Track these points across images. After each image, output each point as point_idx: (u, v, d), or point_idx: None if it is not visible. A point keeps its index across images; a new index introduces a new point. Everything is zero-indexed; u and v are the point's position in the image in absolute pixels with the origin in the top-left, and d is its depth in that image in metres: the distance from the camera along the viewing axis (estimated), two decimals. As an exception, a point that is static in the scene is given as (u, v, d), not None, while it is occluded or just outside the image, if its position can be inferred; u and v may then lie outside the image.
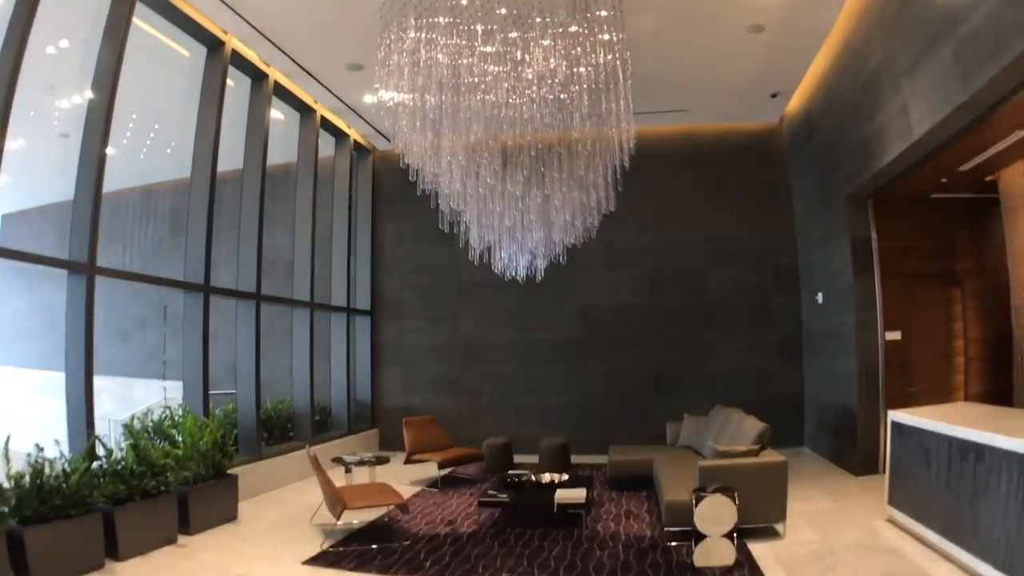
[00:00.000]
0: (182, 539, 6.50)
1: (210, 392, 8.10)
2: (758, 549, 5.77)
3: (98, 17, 6.84)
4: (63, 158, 7.83)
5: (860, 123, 7.90)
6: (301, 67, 9.20)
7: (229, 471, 7.46)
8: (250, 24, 7.99)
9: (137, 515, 6.03)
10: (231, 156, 8.90)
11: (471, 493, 8.35)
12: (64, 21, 7.47)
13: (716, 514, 5.32)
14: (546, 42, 6.97)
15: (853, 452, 8.66)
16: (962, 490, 5.00)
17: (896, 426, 6.22)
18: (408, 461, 9.16)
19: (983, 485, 4.72)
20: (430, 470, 9.29)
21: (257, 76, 9.12)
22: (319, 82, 9.70)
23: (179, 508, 6.57)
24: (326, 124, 11.02)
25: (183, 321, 8.10)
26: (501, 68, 6.98)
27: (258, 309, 8.89)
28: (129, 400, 12.71)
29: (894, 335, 8.71)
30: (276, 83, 9.39)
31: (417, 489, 8.71)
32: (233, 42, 8.33)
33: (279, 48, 8.64)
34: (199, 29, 7.86)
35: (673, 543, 6.06)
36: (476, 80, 6.96)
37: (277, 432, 10.15)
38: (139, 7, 7.17)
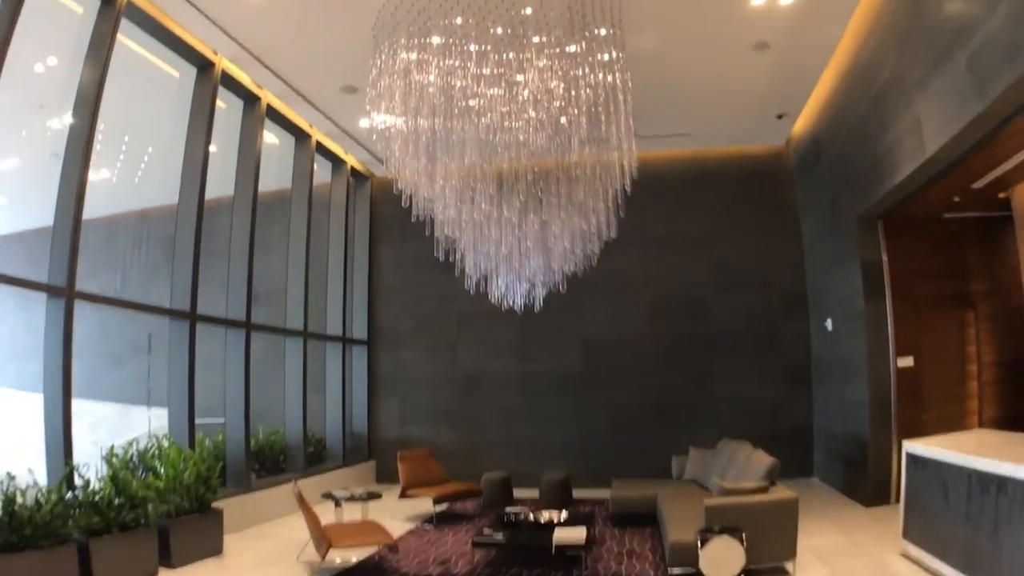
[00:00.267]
0: (163, 572, 6.30)
1: (204, 420, 7.91)
2: (767, 591, 5.45)
3: (85, 34, 6.68)
4: (57, 179, 7.68)
5: (870, 141, 7.68)
6: (294, 89, 9.00)
7: (214, 504, 7.20)
8: (240, 44, 7.81)
9: (114, 547, 5.83)
10: (228, 181, 8.76)
11: (467, 530, 8.02)
12: (52, 38, 7.34)
13: (723, 556, 5.03)
14: (543, 62, 6.78)
15: (864, 482, 8.40)
16: (982, 523, 4.75)
17: (912, 457, 5.96)
18: (403, 496, 8.87)
19: (1005, 518, 4.48)
20: (426, 505, 8.98)
21: (249, 98, 8.95)
22: (313, 105, 9.52)
23: (161, 541, 6.37)
24: (322, 150, 10.85)
25: (169, 349, 7.88)
26: (496, 90, 6.78)
27: (248, 338, 8.67)
28: (127, 427, 12.46)
29: (906, 361, 8.45)
30: (269, 106, 9.21)
31: (411, 526, 8.40)
32: (223, 63, 8.15)
33: (270, 69, 8.45)
34: (187, 48, 7.68)
35: (677, 586, 5.72)
36: (471, 103, 6.77)
37: (269, 464, 9.89)
38: (127, 26, 7.01)
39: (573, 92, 6.81)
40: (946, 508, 5.29)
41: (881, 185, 7.47)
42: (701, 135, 10.89)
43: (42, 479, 5.81)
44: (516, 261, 7.90)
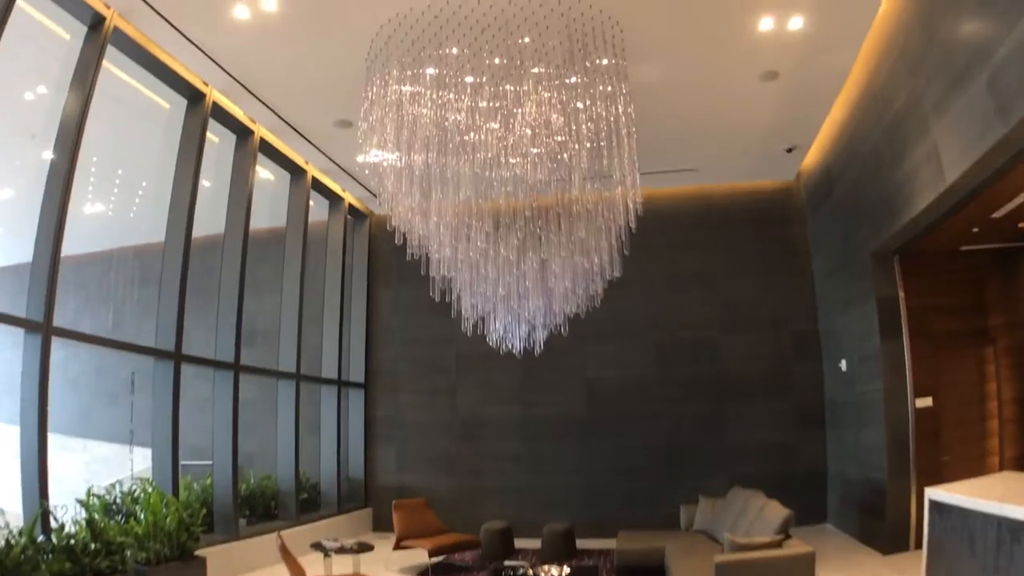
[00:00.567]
0: (140, 622, 5.91)
1: (196, 462, 7.72)
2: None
3: (72, 61, 6.47)
4: None
5: (884, 173, 7.41)
6: (287, 123, 8.77)
7: (198, 552, 6.84)
8: (230, 75, 7.59)
9: (87, 596, 5.46)
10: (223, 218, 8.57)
11: (463, 584, 7.62)
12: (41, 65, 7.18)
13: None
14: (544, 94, 6.56)
15: (882, 529, 8.03)
16: (1012, 575, 4.41)
17: (935, 505, 5.58)
18: (397, 547, 8.50)
19: (1036, 569, 4.12)
20: (422, 557, 8.57)
21: (242, 132, 8.74)
22: (307, 140, 9.29)
23: (138, 591, 5.99)
24: (319, 186, 10.64)
25: (153, 390, 7.59)
26: (493, 124, 6.56)
27: (236, 379, 8.36)
28: (120, 467, 12.13)
29: (925, 402, 8.13)
30: (263, 140, 8.99)
31: (405, 579, 8.01)
32: (214, 94, 7.92)
33: (262, 102, 8.22)
34: (177, 79, 7.47)
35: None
36: (466, 138, 6.55)
37: (260, 510, 9.55)
38: (117, 55, 6.85)
39: (574, 126, 6.58)
40: (973, 558, 4.94)
41: (897, 218, 7.18)
42: (708, 170, 10.65)
43: (17, 519, 5.54)
44: (514, 302, 7.60)
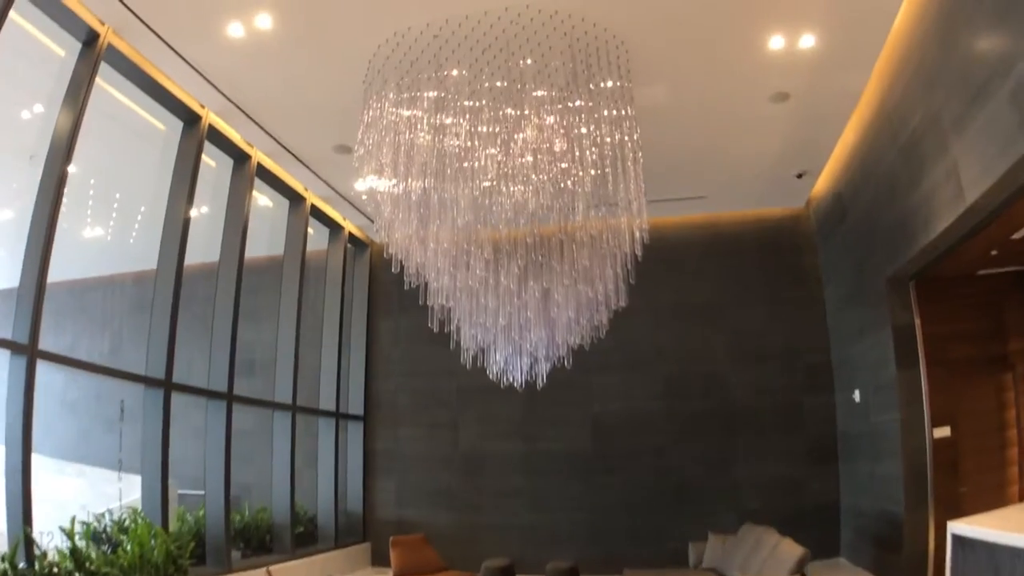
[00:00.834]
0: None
1: (192, 492, 7.58)
2: None
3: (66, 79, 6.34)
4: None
5: (900, 195, 7.20)
6: (284, 147, 8.59)
7: (186, 586, 6.65)
8: (226, 97, 7.42)
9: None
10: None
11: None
12: (38, 83, 7.10)
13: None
14: (546, 119, 6.39)
15: (898, 562, 7.76)
16: None
17: (958, 539, 5.30)
18: (394, 585, 8.23)
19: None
20: (420, 595, 8.32)
21: (239, 157, 8.58)
22: (305, 165, 9.12)
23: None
24: (319, 214, 10.48)
25: (143, 418, 7.40)
26: (493, 150, 6.39)
27: (229, 409, 8.15)
28: (117, 493, 11.95)
29: (943, 431, 7.85)
30: (261, 166, 8.83)
31: (400, 619, 7.71)
32: (210, 116, 7.76)
33: (258, 124, 8.04)
34: (172, 100, 7.31)
35: None
36: (465, 165, 6.38)
37: (255, 543, 9.31)
38: (115, 76, 6.74)
39: (577, 152, 6.41)
40: (999, 595, 4.66)
41: (914, 242, 6.94)
42: (716, 198, 10.48)
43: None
44: (515, 333, 7.37)
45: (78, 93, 6.20)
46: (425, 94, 6.31)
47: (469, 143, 6.36)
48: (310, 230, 10.23)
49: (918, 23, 6.28)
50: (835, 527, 10.04)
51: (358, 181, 6.89)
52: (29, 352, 5.85)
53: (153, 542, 6.46)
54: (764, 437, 10.48)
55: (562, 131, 6.38)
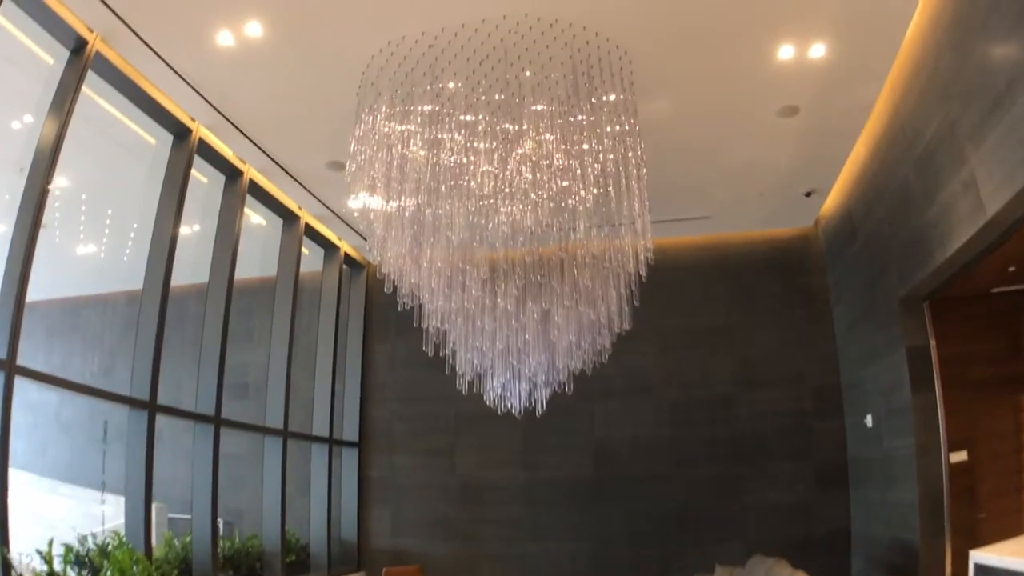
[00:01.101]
0: None
1: (184, 516, 7.43)
2: None
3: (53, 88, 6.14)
4: (45, 247, 7.18)
5: (914, 211, 6.95)
6: (277, 163, 8.34)
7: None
8: (217, 110, 7.19)
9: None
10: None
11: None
12: (27, 93, 6.83)
13: None
14: (545, 135, 6.16)
15: None
16: None
17: (981, 569, 5.05)
18: (387, 618, 7.91)
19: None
20: (412, 630, 7.99)
21: (232, 173, 8.35)
22: (299, 182, 8.88)
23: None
24: (313, 233, 10.24)
25: (127, 440, 7.13)
26: (490, 167, 6.16)
27: (217, 434, 7.88)
28: (109, 515, 11.70)
29: (959, 456, 7.59)
30: (253, 183, 8.60)
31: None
32: (201, 130, 7.54)
33: (249, 138, 7.80)
34: (162, 112, 7.09)
35: None
36: (461, 182, 6.15)
37: (245, 570, 9.02)
38: (104, 87, 6.56)
39: (579, 168, 6.17)
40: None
41: (930, 259, 6.68)
42: (721, 218, 10.25)
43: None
44: (513, 357, 7.10)
45: (64, 102, 5.99)
46: (420, 108, 6.09)
47: (465, 159, 6.12)
48: (304, 250, 9.99)
49: (932, 29, 6.04)
50: (845, 556, 9.78)
51: (351, 198, 6.64)
52: (7, 368, 5.60)
53: (135, 568, 6.13)
54: (772, 464, 10.23)
55: (563, 146, 6.15)
